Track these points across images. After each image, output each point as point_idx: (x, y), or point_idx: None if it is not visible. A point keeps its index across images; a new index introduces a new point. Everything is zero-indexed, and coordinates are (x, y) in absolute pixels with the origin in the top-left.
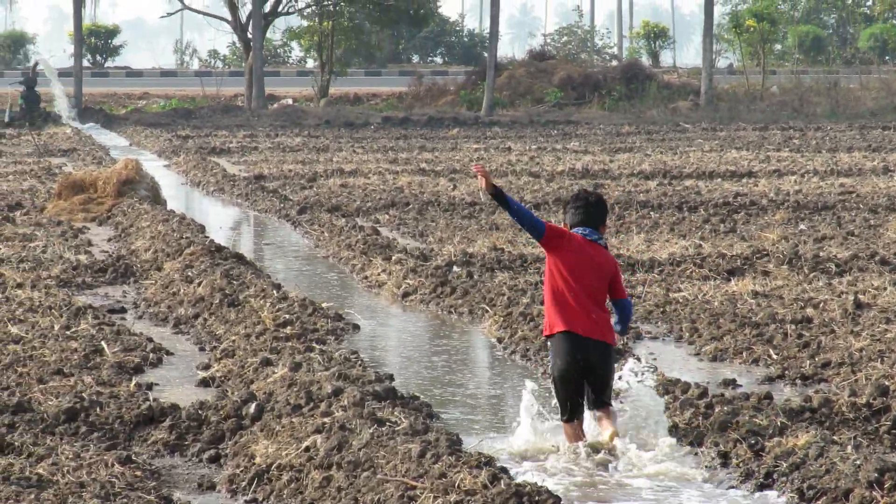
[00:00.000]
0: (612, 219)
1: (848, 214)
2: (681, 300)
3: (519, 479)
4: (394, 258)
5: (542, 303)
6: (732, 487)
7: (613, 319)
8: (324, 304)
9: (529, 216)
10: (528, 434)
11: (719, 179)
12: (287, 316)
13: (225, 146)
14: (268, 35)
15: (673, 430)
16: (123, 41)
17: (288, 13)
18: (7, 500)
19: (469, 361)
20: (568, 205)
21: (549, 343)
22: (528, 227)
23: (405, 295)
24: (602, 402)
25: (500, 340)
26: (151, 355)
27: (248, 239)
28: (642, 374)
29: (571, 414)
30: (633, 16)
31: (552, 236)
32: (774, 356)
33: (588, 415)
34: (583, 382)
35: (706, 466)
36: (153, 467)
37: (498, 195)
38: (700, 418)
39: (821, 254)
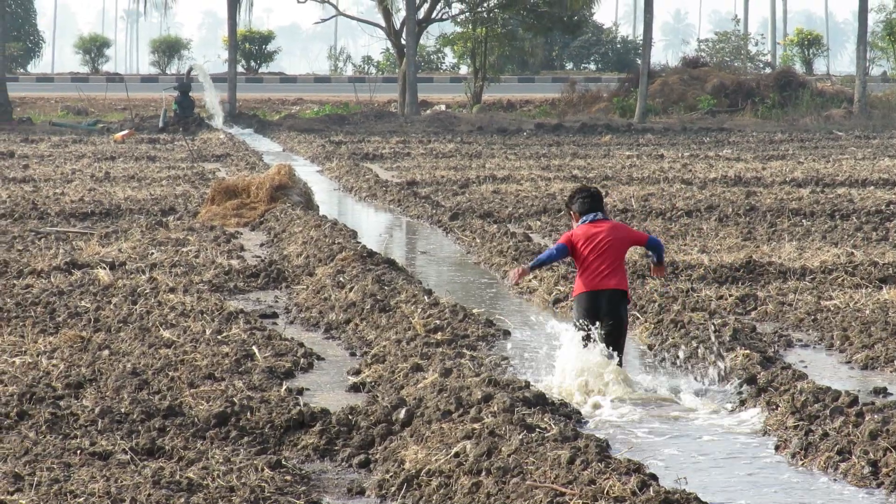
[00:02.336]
0: (765, 225)
1: None
2: (832, 308)
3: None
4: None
5: (693, 310)
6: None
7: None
8: (475, 311)
9: (553, 255)
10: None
11: (872, 187)
12: (438, 322)
13: (378, 152)
14: (421, 41)
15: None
16: (277, 47)
17: (441, 19)
18: (157, 503)
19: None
20: (574, 197)
21: (573, 301)
22: (559, 260)
23: (556, 301)
24: (613, 355)
25: (650, 347)
26: (302, 360)
27: (399, 245)
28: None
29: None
30: (787, 23)
31: (571, 248)
32: None
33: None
34: (595, 322)
35: (854, 475)
36: (303, 472)
37: (533, 269)
38: (850, 427)
39: None
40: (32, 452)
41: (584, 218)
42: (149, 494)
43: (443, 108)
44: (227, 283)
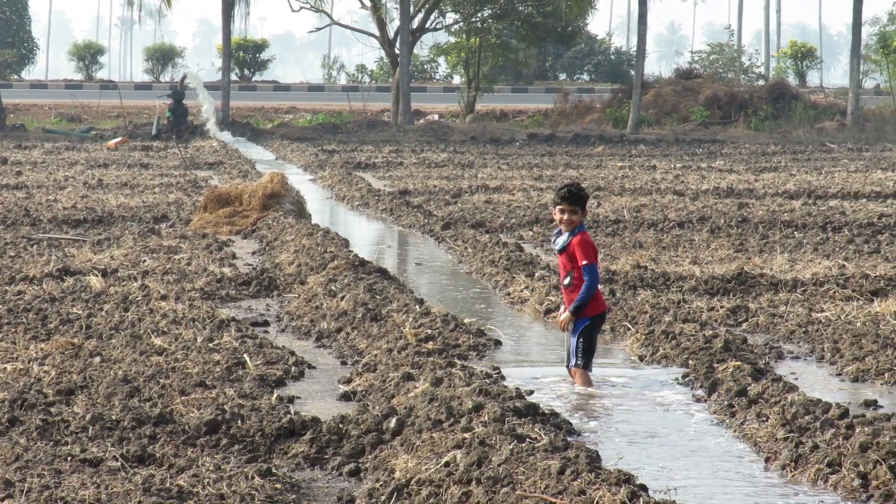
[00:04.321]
0: (757, 237)
1: None
2: (823, 320)
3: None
4: (537, 275)
5: (684, 321)
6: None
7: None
8: (466, 320)
9: (594, 286)
10: None
11: (864, 200)
12: (429, 331)
13: (370, 161)
14: (415, 51)
15: None
16: (271, 55)
17: (435, 29)
18: None
19: (609, 379)
20: (587, 195)
21: (592, 320)
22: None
23: (547, 311)
24: None
25: (641, 358)
26: (293, 368)
27: (391, 254)
28: None
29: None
30: (781, 35)
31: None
32: None
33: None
34: None
35: (844, 487)
36: (293, 480)
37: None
38: (840, 439)
39: None
40: (23, 458)
41: (582, 224)
42: (139, 502)
43: (436, 117)
44: (219, 290)
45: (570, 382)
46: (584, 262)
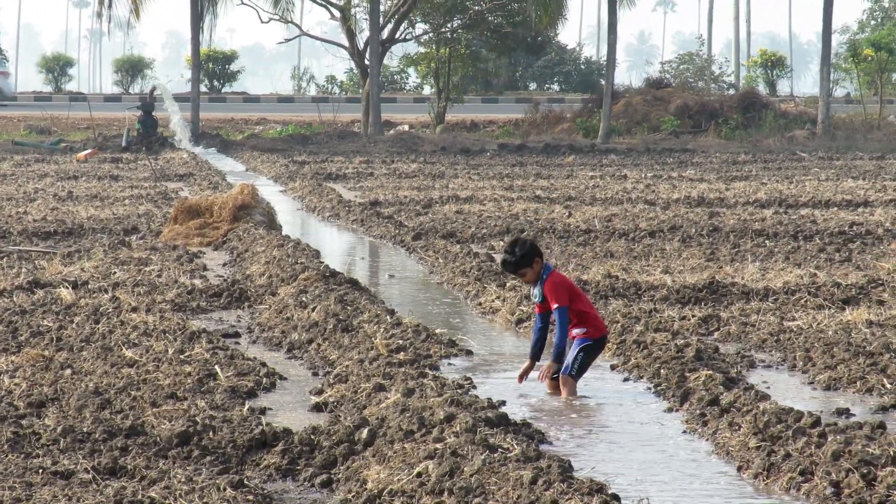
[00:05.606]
0: (728, 246)
1: None
2: (795, 329)
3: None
4: (508, 285)
5: (655, 330)
6: None
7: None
8: (437, 330)
9: (566, 329)
10: None
11: (835, 208)
12: (401, 342)
13: (341, 172)
14: (385, 61)
15: None
16: (241, 67)
17: (405, 40)
18: None
19: (581, 388)
20: (536, 247)
21: (589, 343)
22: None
23: (519, 321)
24: None
25: (612, 368)
26: (265, 380)
27: (362, 264)
28: None
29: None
30: (751, 45)
31: (571, 300)
32: (888, 385)
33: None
34: None
35: (817, 496)
36: (265, 492)
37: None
38: (813, 447)
39: None
40: None
41: (549, 265)
42: None
43: (406, 128)
44: (190, 302)
45: (547, 392)
46: (555, 306)
